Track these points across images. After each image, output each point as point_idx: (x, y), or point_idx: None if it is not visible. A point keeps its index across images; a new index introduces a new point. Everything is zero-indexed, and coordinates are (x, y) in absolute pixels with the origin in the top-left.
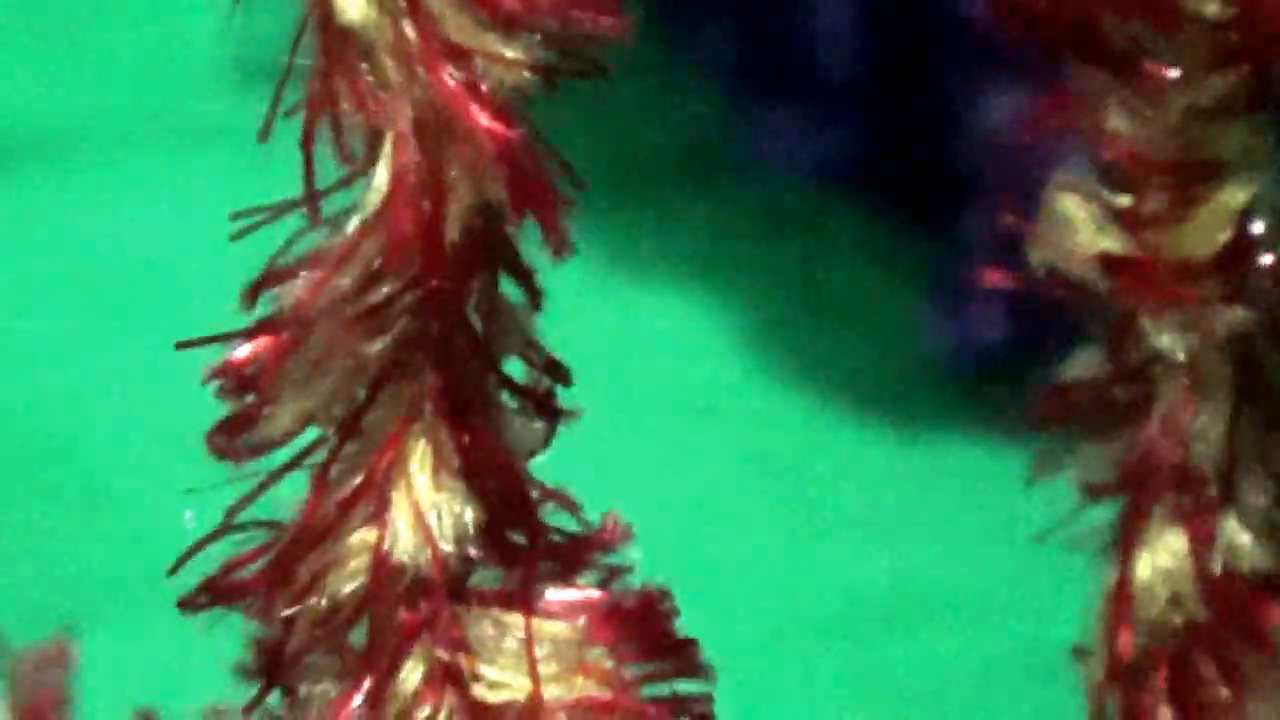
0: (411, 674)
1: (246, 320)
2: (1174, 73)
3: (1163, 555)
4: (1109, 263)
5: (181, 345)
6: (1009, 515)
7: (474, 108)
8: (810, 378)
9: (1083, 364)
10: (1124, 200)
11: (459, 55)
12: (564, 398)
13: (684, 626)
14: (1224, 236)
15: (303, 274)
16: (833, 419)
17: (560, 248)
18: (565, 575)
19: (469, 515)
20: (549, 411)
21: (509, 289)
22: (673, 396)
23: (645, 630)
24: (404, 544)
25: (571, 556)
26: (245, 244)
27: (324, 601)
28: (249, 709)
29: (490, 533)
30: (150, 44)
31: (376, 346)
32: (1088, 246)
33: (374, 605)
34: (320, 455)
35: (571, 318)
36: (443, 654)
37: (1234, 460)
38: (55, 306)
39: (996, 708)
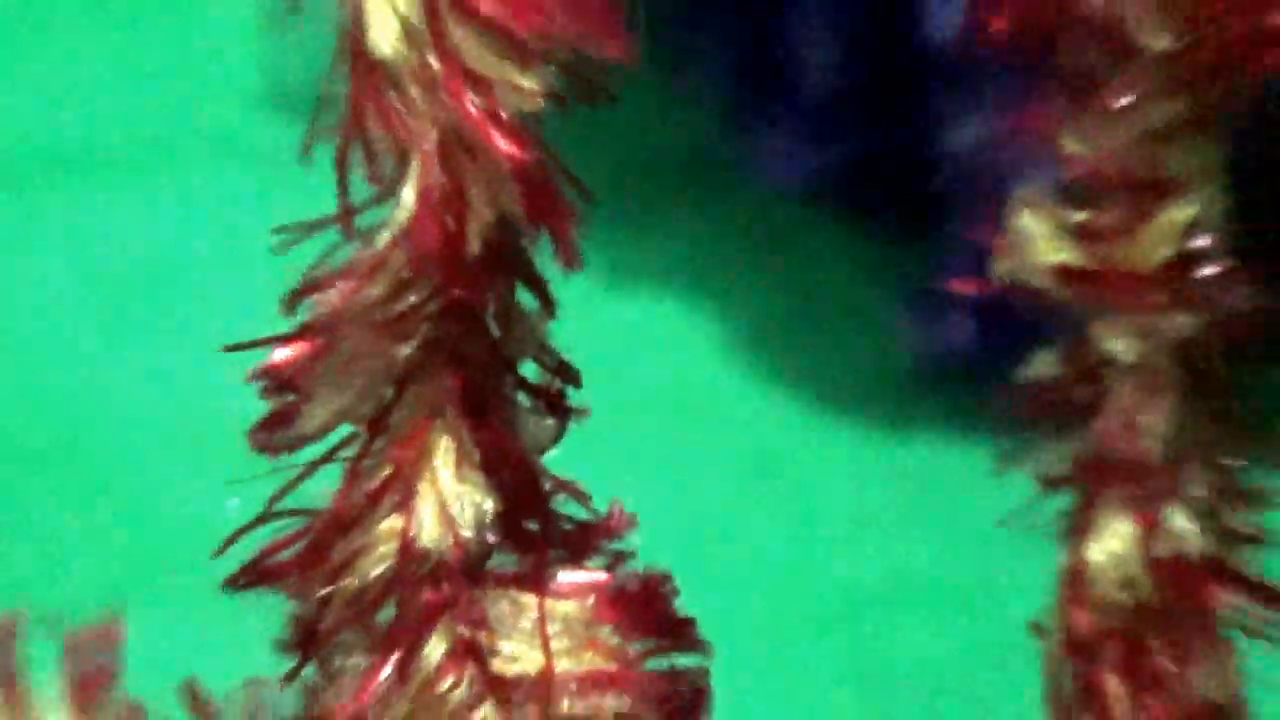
0: (435, 649)
1: (285, 326)
2: (1126, 99)
3: (1114, 541)
4: (1066, 274)
5: (228, 349)
6: (980, 505)
7: (493, 132)
8: (797, 377)
9: (1042, 366)
10: (1080, 216)
11: (479, 84)
12: (573, 397)
13: (683, 606)
14: (1170, 250)
15: (336, 284)
16: (817, 415)
17: (571, 260)
18: (575, 559)
19: (487, 505)
20: (560, 410)
21: (524, 297)
22: (670, 395)
23: (648, 610)
24: (428, 531)
25: (580, 543)
26: (275, 255)
27: (355, 583)
28: (287, 680)
29: (507, 521)
30: (188, 65)
31: (403, 350)
32: (1047, 259)
33: (400, 587)
34: (351, 450)
35: (578, 323)
36: (463, 631)
37: (1179, 454)
38: (102, 310)
39: (983, 693)
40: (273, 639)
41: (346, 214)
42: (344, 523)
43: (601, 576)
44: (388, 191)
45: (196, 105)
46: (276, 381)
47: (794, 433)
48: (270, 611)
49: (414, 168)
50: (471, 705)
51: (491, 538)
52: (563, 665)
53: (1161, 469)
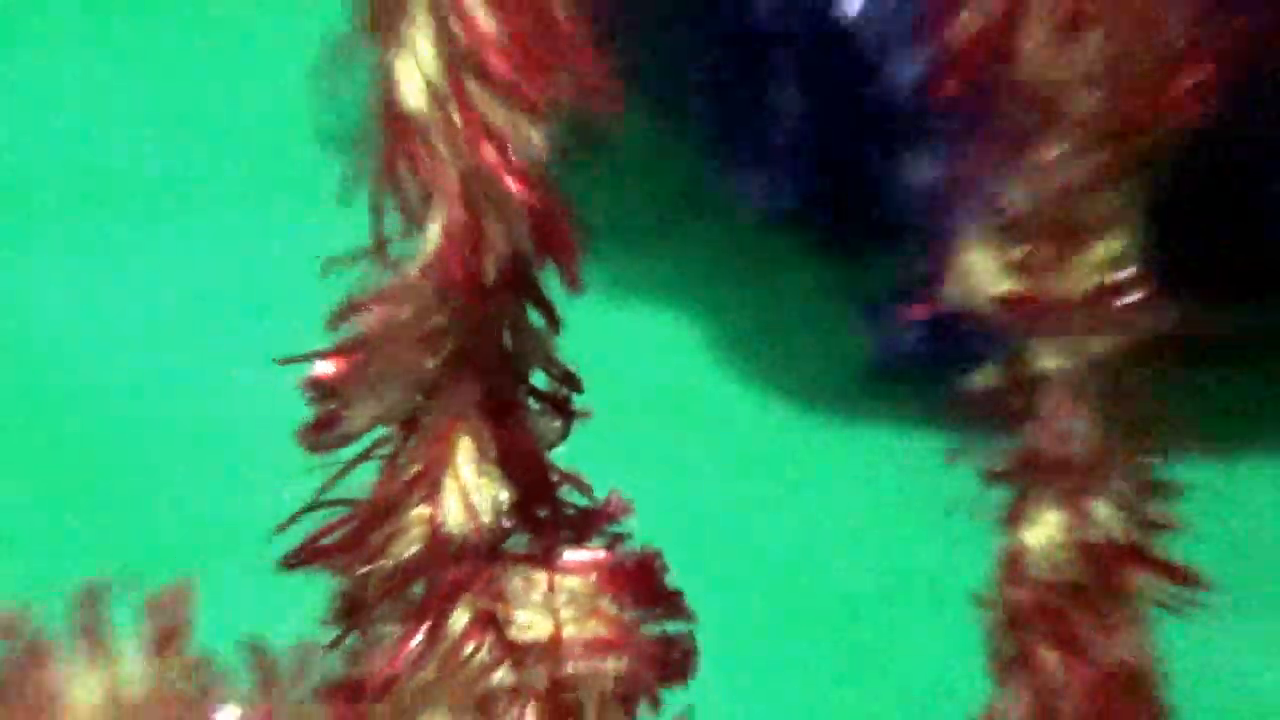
0: (459, 619)
1: (329, 342)
2: (1056, 152)
3: (1046, 528)
4: (1006, 302)
5: (282, 361)
6: (931, 494)
7: (507, 176)
8: (771, 378)
9: (985, 377)
10: (1017, 252)
11: (494, 135)
12: (576, 401)
13: (673, 579)
14: (1094, 282)
15: (373, 306)
16: (788, 410)
17: (574, 285)
18: (579, 540)
19: (503, 494)
20: (565, 412)
21: (534, 317)
22: (661, 396)
23: (643, 583)
24: (453, 517)
25: (583, 526)
26: (320, 281)
27: (390, 562)
28: (332, 645)
29: (520, 508)
30: (240, 106)
31: (431, 363)
32: (990, 289)
33: (429, 565)
34: (387, 448)
35: (582, 331)
36: (483, 603)
37: (1101, 454)
38: (179, 323)
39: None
40: (321, 611)
41: (381, 246)
42: (381, 511)
43: (602, 555)
44: (416, 227)
45: (249, 144)
46: (322, 389)
47: (769, 425)
48: (319, 586)
49: (438, 207)
50: (490, 667)
51: (507, 522)
52: (569, 632)
53: (1086, 466)
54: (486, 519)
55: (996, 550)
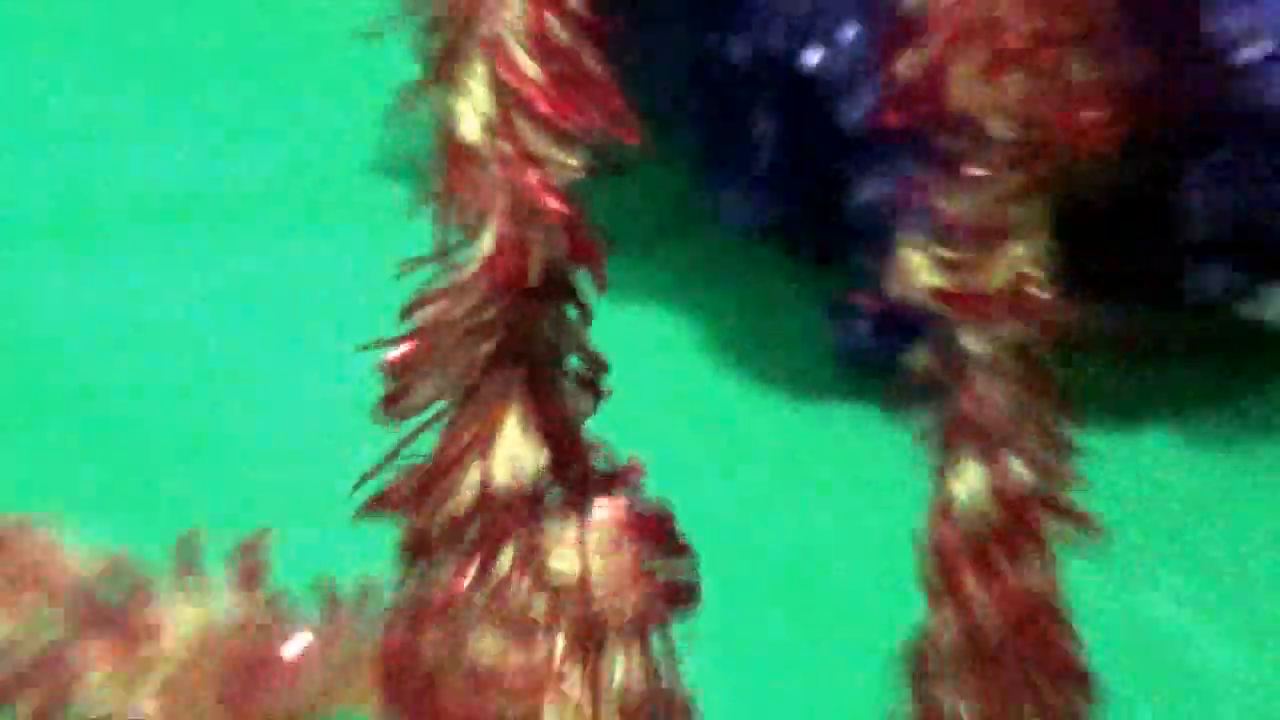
0: (504, 559)
1: (400, 332)
2: (981, 172)
3: (970, 479)
4: (937, 294)
5: (360, 348)
6: (887, 466)
7: (546, 196)
8: (749, 368)
9: (921, 357)
10: (947, 253)
11: (536, 162)
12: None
13: (678, 526)
14: (1010, 278)
15: (436, 302)
16: (764, 395)
17: (601, 285)
18: (604, 494)
19: (542, 457)
20: (594, 390)
21: (569, 311)
22: (653, 383)
23: (655, 531)
24: (501, 475)
25: (607, 483)
26: (394, 281)
27: (449, 512)
28: (401, 580)
29: (556, 468)
30: (319, 134)
31: (483, 348)
32: (924, 283)
33: (481, 514)
34: (446, 418)
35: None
36: (524, 546)
37: (1016, 419)
38: (270, 320)
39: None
40: (392, 551)
41: (443, 253)
42: (441, 470)
43: (623, 507)
44: (472, 237)
45: (324, 167)
46: (393, 370)
47: (748, 406)
48: (389, 531)
49: (490, 220)
50: (529, 599)
51: (545, 480)
52: (595, 570)
53: (1003, 429)
54: (528, 477)
55: (929, 498)
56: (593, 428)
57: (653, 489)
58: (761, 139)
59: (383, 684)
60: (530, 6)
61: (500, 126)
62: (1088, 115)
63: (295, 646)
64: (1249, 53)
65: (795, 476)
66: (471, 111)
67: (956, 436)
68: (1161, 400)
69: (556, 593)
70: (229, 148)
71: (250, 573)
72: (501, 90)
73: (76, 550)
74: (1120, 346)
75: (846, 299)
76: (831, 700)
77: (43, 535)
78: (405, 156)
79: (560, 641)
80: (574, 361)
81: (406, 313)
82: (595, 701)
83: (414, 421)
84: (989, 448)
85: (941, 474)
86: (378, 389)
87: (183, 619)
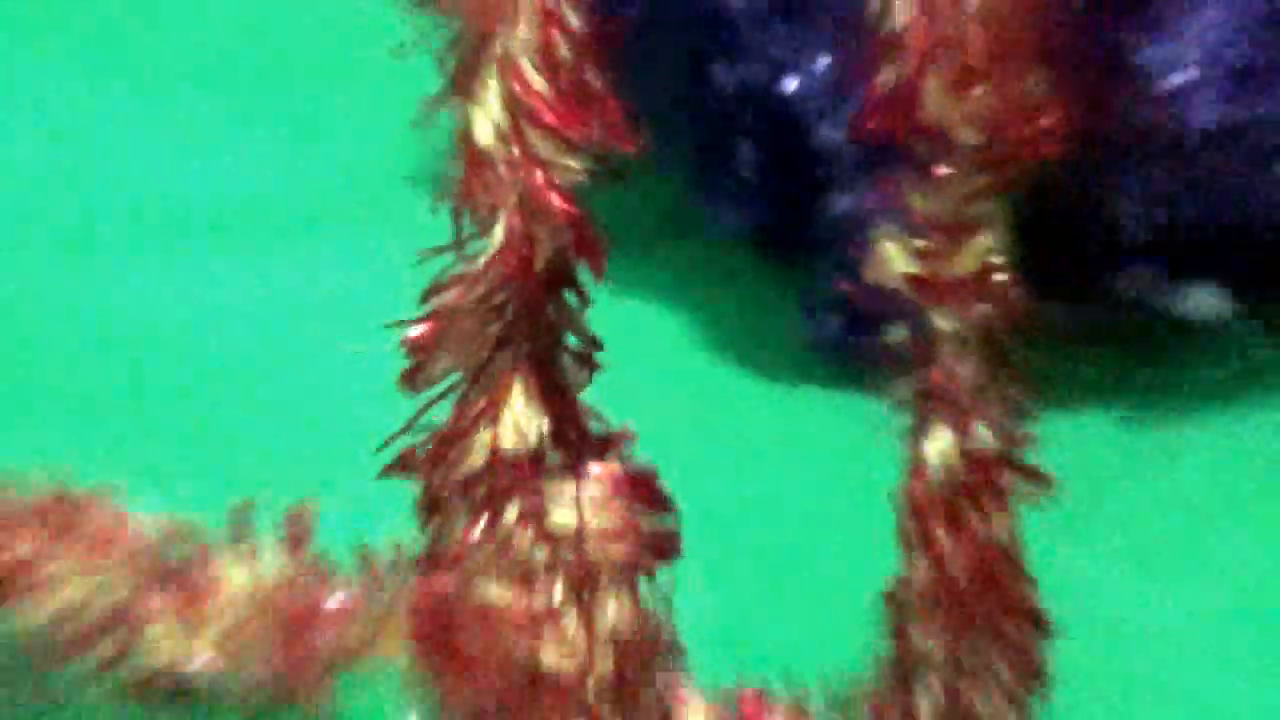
0: (510, 514)
1: (420, 314)
2: (948, 173)
3: (940, 442)
4: (911, 280)
5: (389, 325)
6: (853, 437)
7: (552, 195)
8: (731, 355)
9: (896, 334)
10: (920, 244)
11: (543, 165)
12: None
13: (664, 485)
14: (975, 266)
15: (453, 288)
16: (743, 380)
17: (599, 276)
18: (598, 457)
19: (544, 423)
20: (590, 365)
21: (570, 297)
22: (647, 367)
23: (642, 489)
24: (507, 440)
25: (601, 447)
26: (415, 270)
27: (461, 472)
28: (420, 532)
29: (556, 434)
30: (348, 147)
31: (493, 329)
32: (899, 270)
33: (489, 475)
34: (460, 390)
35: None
36: (527, 502)
37: (980, 389)
38: (311, 313)
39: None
40: (414, 507)
41: (459, 244)
42: (455, 435)
43: (615, 467)
44: (484, 231)
45: (360, 169)
46: (414, 346)
47: (734, 389)
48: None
49: (501, 217)
50: (532, 549)
51: (546, 444)
52: (590, 524)
53: (969, 397)
54: (532, 441)
55: (904, 459)
56: (590, 400)
57: (642, 454)
58: (745, 155)
59: (409, 628)
60: (539, 28)
61: (511, 134)
62: (1041, 125)
63: (335, 601)
64: (1173, 80)
65: (771, 444)
66: (486, 120)
67: (928, 405)
68: (1093, 382)
69: (555, 543)
70: (279, 154)
71: (296, 537)
72: (513, 102)
73: (142, 518)
74: (1058, 335)
75: (820, 299)
76: (818, 638)
77: (113, 505)
78: (428, 159)
79: (559, 586)
80: (573, 341)
81: (425, 297)
82: (589, 639)
83: (431, 393)
84: (957, 414)
85: (915, 437)
86: (399, 365)
87: (236, 577)
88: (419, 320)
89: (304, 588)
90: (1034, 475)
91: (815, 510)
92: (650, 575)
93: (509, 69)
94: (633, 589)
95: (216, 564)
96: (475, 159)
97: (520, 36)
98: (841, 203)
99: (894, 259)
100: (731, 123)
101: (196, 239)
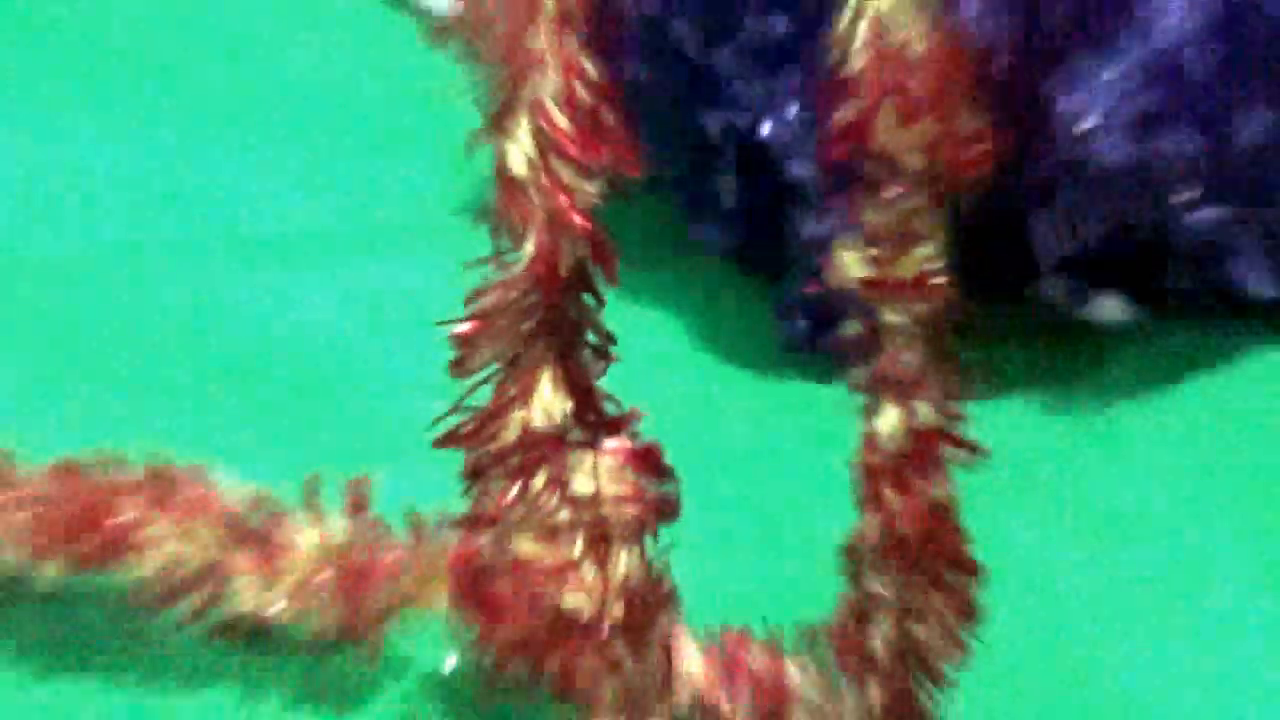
0: (538, 480)
1: (465, 313)
2: (895, 192)
3: (888, 418)
4: (864, 282)
5: (440, 324)
6: (821, 419)
7: (574, 214)
8: (717, 353)
9: (852, 328)
10: (871, 251)
11: (567, 190)
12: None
13: (668, 457)
14: (918, 269)
15: (493, 292)
16: (727, 372)
17: (613, 282)
18: (612, 434)
19: (568, 405)
20: (605, 357)
21: (588, 299)
22: (649, 361)
23: (649, 461)
24: (537, 418)
25: (615, 425)
26: (464, 278)
27: (499, 445)
28: (464, 493)
29: (577, 414)
30: (399, 174)
31: (525, 326)
32: (854, 274)
33: (522, 448)
34: (498, 377)
35: None
36: (553, 471)
37: (923, 372)
38: (378, 323)
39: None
40: (453, 479)
41: (497, 256)
42: (494, 414)
43: (627, 442)
44: (518, 245)
45: (416, 202)
46: (459, 342)
47: (716, 378)
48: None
49: (532, 233)
50: (556, 510)
51: (569, 423)
52: (604, 490)
53: (913, 381)
54: (557, 420)
55: (859, 433)
56: (605, 386)
57: (648, 432)
58: (729, 186)
59: (450, 581)
60: (563, 77)
61: (540, 164)
62: (972, 154)
63: (389, 558)
64: (1083, 125)
65: (751, 424)
66: (519, 153)
67: (878, 387)
68: (1016, 376)
69: (576, 506)
70: (354, 183)
71: (356, 504)
72: (541, 138)
73: (228, 489)
74: (989, 333)
75: (789, 301)
76: (791, 586)
77: (205, 477)
78: (472, 186)
79: (579, 542)
80: (591, 337)
81: (469, 299)
82: (604, 587)
83: (474, 379)
84: (903, 395)
85: (868, 415)
86: (448, 356)
87: (306, 538)
88: (464, 319)
89: (363, 547)
90: (968, 446)
91: (786, 477)
92: (655, 534)
93: (538, 111)
94: (640, 545)
95: (290, 527)
96: (510, 185)
97: (548, 84)
98: (807, 226)
99: (850, 264)
100: (718, 159)
101: (291, 257)
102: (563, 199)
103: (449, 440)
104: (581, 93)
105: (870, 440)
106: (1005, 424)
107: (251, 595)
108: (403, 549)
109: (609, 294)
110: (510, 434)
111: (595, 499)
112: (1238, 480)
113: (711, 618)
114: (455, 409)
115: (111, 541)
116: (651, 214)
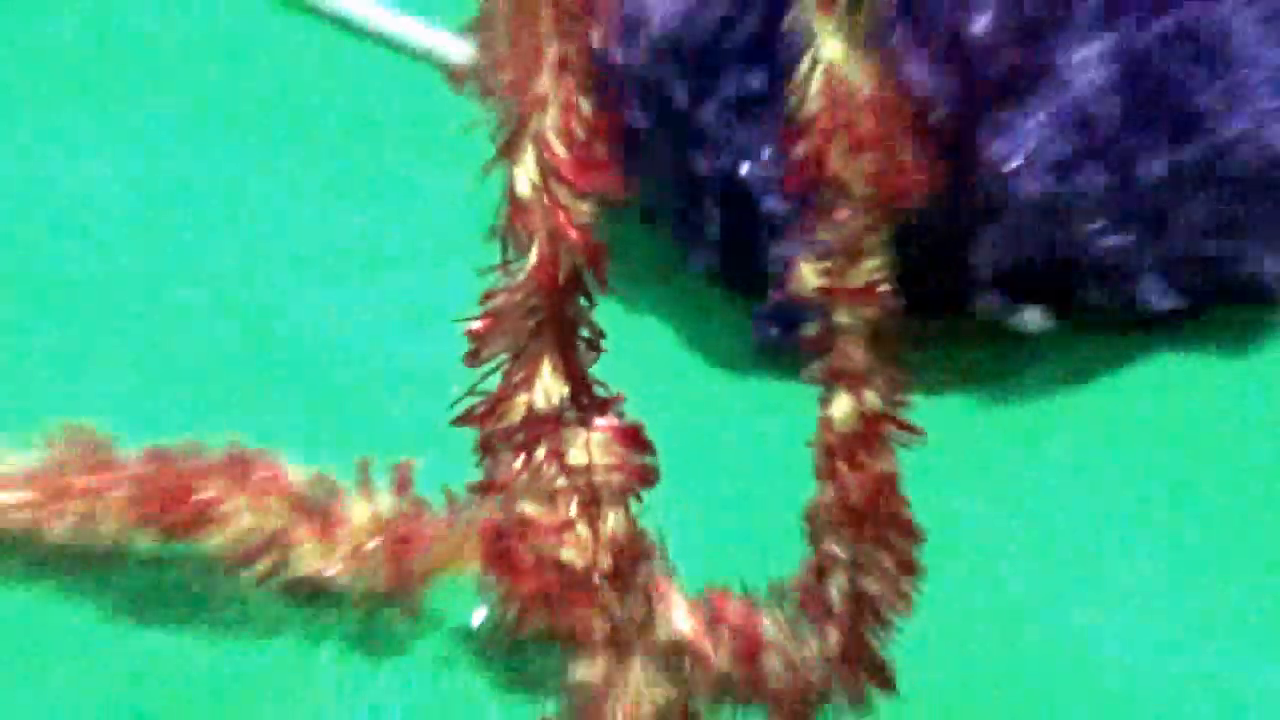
0: (539, 452)
1: (478, 312)
2: (847, 214)
3: (842, 405)
4: (820, 290)
5: (457, 320)
6: (789, 411)
7: (571, 229)
8: (699, 356)
9: (811, 329)
10: (827, 264)
11: (565, 208)
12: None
13: (649, 433)
14: (866, 279)
15: (502, 294)
16: (708, 372)
17: (603, 286)
18: (602, 412)
19: (565, 389)
20: (597, 349)
21: (583, 300)
22: (636, 364)
23: (632, 435)
24: (540, 402)
25: (604, 406)
26: (477, 281)
27: (506, 424)
28: (478, 465)
29: (573, 397)
30: (421, 197)
31: (529, 323)
32: (811, 283)
33: (526, 426)
34: (506, 366)
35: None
36: (552, 445)
37: (871, 367)
38: (401, 320)
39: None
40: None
41: (506, 264)
42: (502, 398)
43: (615, 420)
44: (523, 254)
45: (436, 220)
46: (474, 336)
47: (698, 377)
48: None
49: (535, 244)
50: (554, 478)
51: (565, 405)
52: (596, 461)
53: (862, 374)
54: (555, 402)
55: (818, 418)
56: (596, 374)
57: (642, 417)
58: (712, 217)
59: (482, 547)
60: (563, 114)
61: (542, 187)
62: (910, 182)
63: (429, 528)
64: (1009, 165)
65: (728, 415)
66: (525, 177)
67: (833, 378)
68: (954, 381)
69: (571, 474)
70: (384, 206)
71: (401, 483)
72: (543, 165)
73: (294, 470)
74: (929, 341)
75: (762, 312)
76: (763, 548)
77: (274, 460)
78: (484, 205)
79: (574, 505)
80: (585, 332)
81: (482, 300)
82: (595, 543)
83: (485, 369)
84: (854, 385)
85: (824, 402)
86: (463, 350)
87: (360, 511)
88: (478, 317)
89: (406, 519)
90: (909, 429)
91: (760, 457)
92: (638, 498)
93: (541, 142)
94: (626, 507)
95: (345, 502)
96: (517, 204)
97: (550, 120)
98: (779, 250)
99: (808, 275)
100: (704, 194)
101: (340, 271)
102: (561, 216)
103: (465, 420)
104: (577, 128)
105: (826, 423)
106: (944, 418)
107: (312, 560)
108: (440, 521)
109: (614, 306)
110: (516, 414)
111: (588, 468)
112: (1139, 468)
113: (699, 577)
114: (470, 393)
115: (196, 515)
116: (649, 240)
